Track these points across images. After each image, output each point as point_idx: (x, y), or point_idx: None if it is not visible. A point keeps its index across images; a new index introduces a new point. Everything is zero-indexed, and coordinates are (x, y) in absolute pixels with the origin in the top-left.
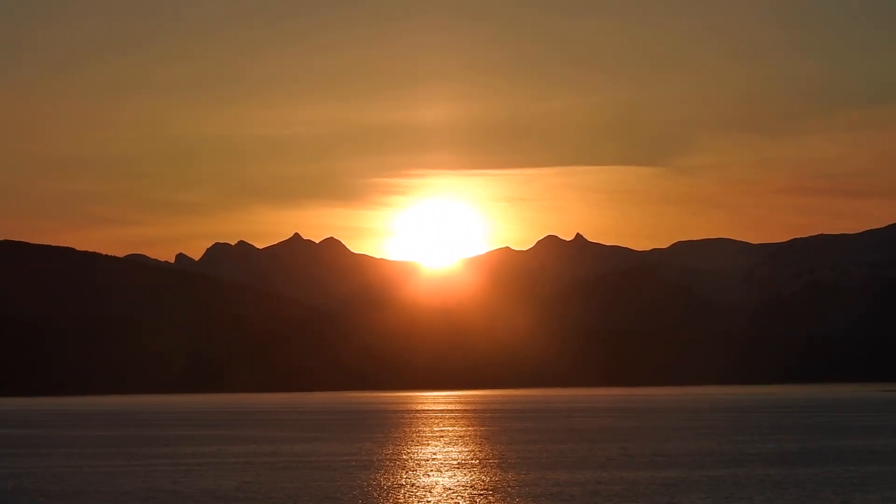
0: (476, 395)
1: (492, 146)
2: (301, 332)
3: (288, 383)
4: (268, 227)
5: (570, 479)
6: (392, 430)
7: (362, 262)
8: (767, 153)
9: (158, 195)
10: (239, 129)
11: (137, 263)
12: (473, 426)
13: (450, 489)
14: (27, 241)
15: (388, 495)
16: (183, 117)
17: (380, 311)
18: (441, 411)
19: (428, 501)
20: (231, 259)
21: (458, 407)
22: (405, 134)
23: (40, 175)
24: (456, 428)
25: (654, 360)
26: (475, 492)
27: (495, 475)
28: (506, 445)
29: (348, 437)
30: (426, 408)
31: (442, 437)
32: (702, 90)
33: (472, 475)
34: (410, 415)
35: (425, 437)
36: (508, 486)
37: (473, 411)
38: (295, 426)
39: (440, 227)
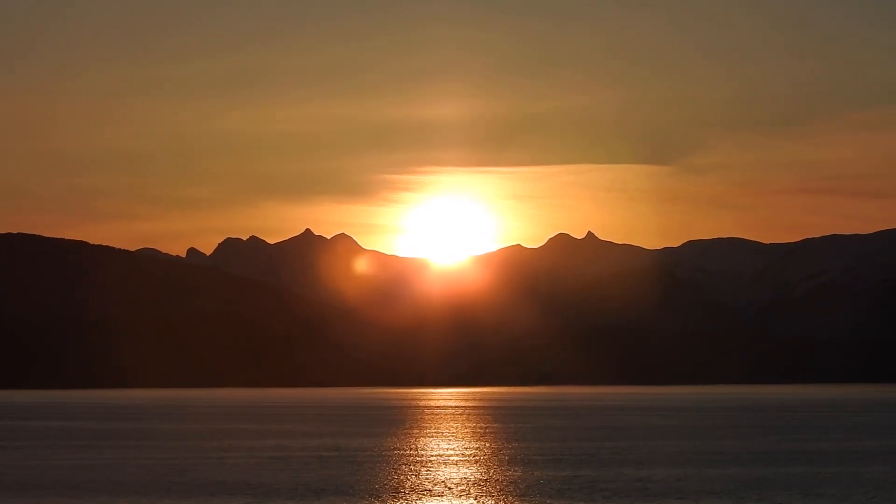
0: (489, 393)
1: (502, 143)
2: (312, 327)
3: (297, 379)
4: (279, 222)
5: (648, 476)
6: (434, 426)
7: (373, 259)
8: (777, 153)
9: (169, 190)
10: (249, 125)
11: (149, 258)
12: (512, 423)
13: (541, 483)
14: (41, 234)
15: (489, 488)
16: (194, 114)
17: (390, 307)
18: (466, 408)
19: (529, 495)
20: (243, 254)
21: (480, 404)
22: (415, 130)
23: (53, 170)
24: (497, 425)
25: (664, 358)
26: (565, 486)
27: (569, 471)
28: (559, 443)
29: (399, 432)
30: (448, 404)
31: (490, 433)
32: (712, 90)
33: (548, 470)
34: (439, 411)
35: (474, 433)
36: (591, 482)
37: (500, 408)
38: (338, 422)
39: (450, 224)
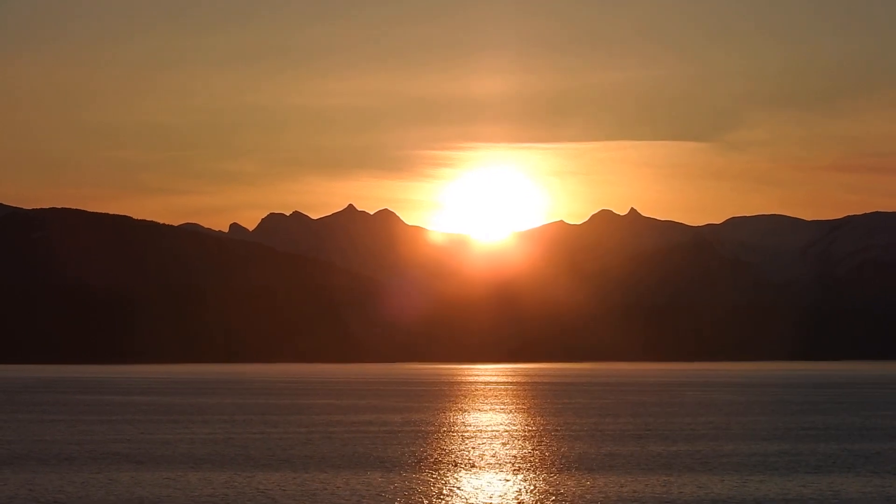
0: (537, 368)
1: (544, 120)
2: (356, 303)
3: (341, 354)
4: (321, 197)
5: (761, 450)
6: (512, 402)
7: (416, 234)
8: (819, 130)
9: (212, 165)
10: (291, 99)
11: (193, 233)
12: (589, 399)
13: (662, 458)
14: (84, 209)
15: (616, 463)
16: (236, 87)
17: (434, 283)
18: (527, 384)
19: (656, 470)
20: (286, 229)
21: (538, 380)
22: (457, 106)
23: (95, 144)
24: (575, 400)
25: (706, 335)
26: (688, 461)
27: (682, 446)
28: (651, 418)
29: (481, 408)
30: (505, 380)
31: (575, 409)
32: (753, 66)
33: (660, 446)
34: (505, 387)
35: (561, 409)
36: (709, 457)
37: (563, 384)
38: (415, 397)
39: (494, 200)
